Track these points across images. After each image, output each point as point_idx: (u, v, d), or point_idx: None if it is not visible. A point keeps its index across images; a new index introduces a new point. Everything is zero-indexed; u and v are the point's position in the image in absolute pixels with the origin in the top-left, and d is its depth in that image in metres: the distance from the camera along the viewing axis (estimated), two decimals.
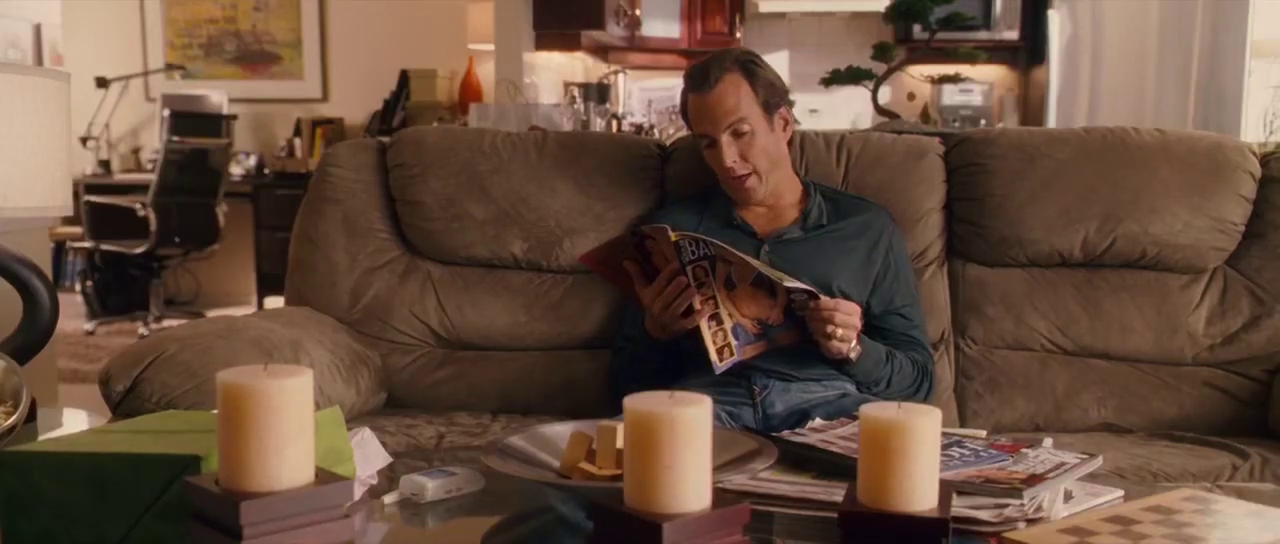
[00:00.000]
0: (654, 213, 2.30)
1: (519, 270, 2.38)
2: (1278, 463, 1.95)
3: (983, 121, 6.13)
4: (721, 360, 1.86)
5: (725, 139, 2.07)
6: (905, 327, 2.11)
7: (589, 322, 2.33)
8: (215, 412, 1.07)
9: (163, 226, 5.65)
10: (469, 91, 6.20)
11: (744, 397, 2.01)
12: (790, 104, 2.15)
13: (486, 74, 6.02)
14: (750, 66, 2.09)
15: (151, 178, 5.72)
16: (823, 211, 2.15)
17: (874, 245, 2.12)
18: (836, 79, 3.20)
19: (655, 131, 5.63)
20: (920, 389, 2.08)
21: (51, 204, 1.97)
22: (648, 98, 6.31)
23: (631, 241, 1.89)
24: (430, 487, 1.47)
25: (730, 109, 2.06)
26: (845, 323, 1.88)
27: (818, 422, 1.74)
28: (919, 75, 4.62)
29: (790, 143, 2.17)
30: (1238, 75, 4.88)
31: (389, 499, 1.48)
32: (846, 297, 2.00)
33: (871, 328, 2.06)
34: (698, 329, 1.86)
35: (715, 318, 1.87)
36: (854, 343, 1.92)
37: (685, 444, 1.02)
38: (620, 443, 1.29)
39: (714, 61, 2.09)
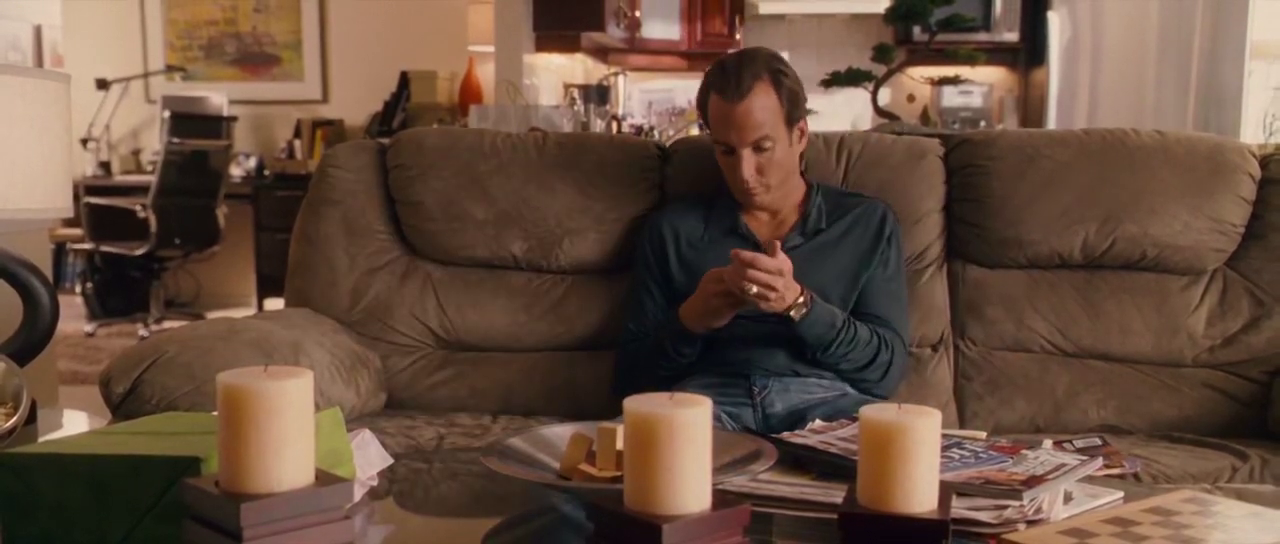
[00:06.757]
0: (654, 211, 2.30)
1: (519, 271, 2.38)
2: (1277, 464, 1.95)
3: (982, 123, 6.13)
4: None
5: (746, 153, 2.02)
6: (881, 317, 2.08)
7: (589, 322, 2.33)
8: (215, 413, 1.07)
9: (163, 228, 5.64)
10: (469, 93, 6.20)
11: (743, 397, 2.01)
12: (808, 113, 2.10)
13: (486, 75, 6.02)
14: (779, 75, 2.03)
15: (152, 179, 5.72)
16: (822, 214, 2.14)
17: (870, 252, 2.10)
18: (836, 81, 3.20)
19: (655, 133, 5.63)
20: (879, 362, 2.03)
21: (51, 205, 1.97)
22: (648, 99, 6.31)
23: None
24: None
25: (758, 124, 2.00)
26: (757, 280, 1.85)
27: (818, 423, 1.74)
28: (919, 77, 4.62)
29: (802, 155, 2.16)
30: (1237, 76, 4.88)
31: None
32: (843, 303, 2.01)
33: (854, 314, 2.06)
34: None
35: None
36: (794, 299, 1.90)
37: (685, 445, 1.02)
38: (620, 444, 1.29)
39: (745, 65, 2.01)
